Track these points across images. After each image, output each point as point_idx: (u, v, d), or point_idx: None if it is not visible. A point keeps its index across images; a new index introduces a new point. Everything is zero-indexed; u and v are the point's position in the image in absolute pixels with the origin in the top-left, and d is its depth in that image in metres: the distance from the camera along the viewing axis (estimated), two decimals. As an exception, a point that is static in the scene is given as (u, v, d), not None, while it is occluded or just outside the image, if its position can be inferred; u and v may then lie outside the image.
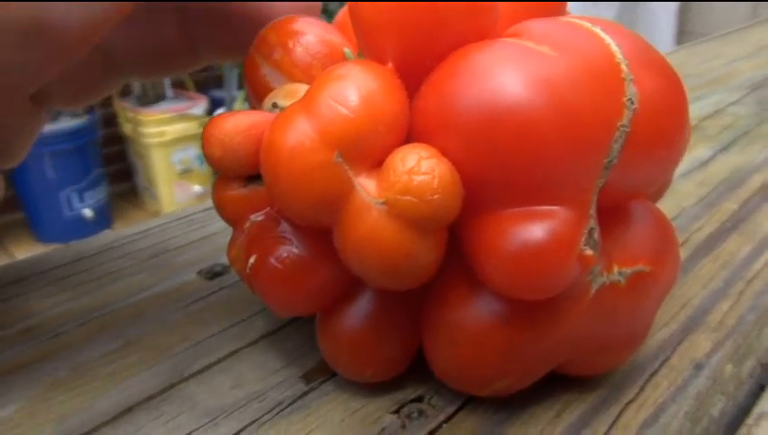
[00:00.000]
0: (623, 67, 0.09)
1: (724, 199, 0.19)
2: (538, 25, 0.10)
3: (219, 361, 0.13)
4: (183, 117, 1.28)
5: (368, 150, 0.09)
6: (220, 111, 1.39)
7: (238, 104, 1.38)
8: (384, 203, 0.09)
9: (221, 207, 0.11)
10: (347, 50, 0.12)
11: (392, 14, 0.10)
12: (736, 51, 0.41)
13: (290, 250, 0.10)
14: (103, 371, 0.13)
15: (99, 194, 1.23)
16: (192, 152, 1.39)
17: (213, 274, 0.17)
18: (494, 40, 0.10)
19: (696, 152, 0.23)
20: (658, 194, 0.12)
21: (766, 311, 0.13)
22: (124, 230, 0.19)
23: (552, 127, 0.09)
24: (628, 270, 0.10)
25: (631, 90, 0.09)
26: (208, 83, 1.43)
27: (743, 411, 0.11)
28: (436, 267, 0.10)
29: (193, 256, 0.18)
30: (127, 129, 1.27)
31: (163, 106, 1.25)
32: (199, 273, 0.17)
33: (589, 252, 0.09)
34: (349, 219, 0.09)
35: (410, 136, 0.10)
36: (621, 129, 0.09)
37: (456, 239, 0.10)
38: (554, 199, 0.09)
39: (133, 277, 0.17)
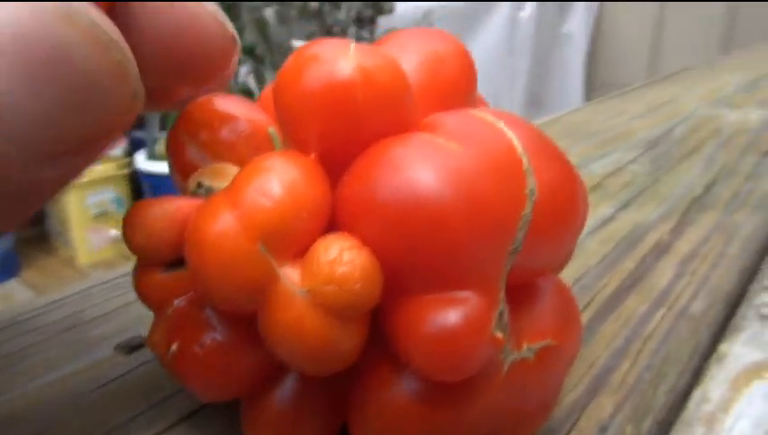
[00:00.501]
0: (524, 161, 0.10)
1: (624, 258, 0.20)
2: (450, 120, 0.11)
3: (137, 446, 0.13)
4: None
5: (291, 240, 0.10)
6: (141, 152, 1.35)
7: (160, 145, 1.35)
8: (308, 292, 0.09)
9: (143, 294, 0.11)
10: (272, 129, 0.13)
11: (314, 105, 0.10)
12: (635, 108, 0.45)
13: (213, 336, 0.10)
14: (9, 463, 0.12)
15: (3, 241, 1.15)
16: (109, 195, 1.33)
17: (131, 347, 0.16)
18: (411, 135, 0.10)
19: (599, 210, 0.25)
20: (561, 267, 0.13)
21: (660, 370, 0.14)
22: (36, 300, 0.19)
23: (462, 218, 0.10)
24: (535, 346, 0.11)
25: (532, 181, 0.10)
26: (128, 125, 1.39)
27: (644, 469, 0.12)
28: (358, 352, 0.10)
29: (111, 327, 0.17)
30: (37, 172, 1.21)
31: (78, 148, 1.20)
32: (117, 347, 0.16)
33: (499, 335, 0.10)
34: (273, 307, 0.09)
35: (333, 223, 0.10)
36: (524, 217, 0.10)
37: (377, 322, 0.10)
38: (466, 285, 0.10)
39: (43, 355, 0.16)
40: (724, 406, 0.13)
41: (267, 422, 0.11)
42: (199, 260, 0.10)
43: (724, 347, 0.15)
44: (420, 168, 0.10)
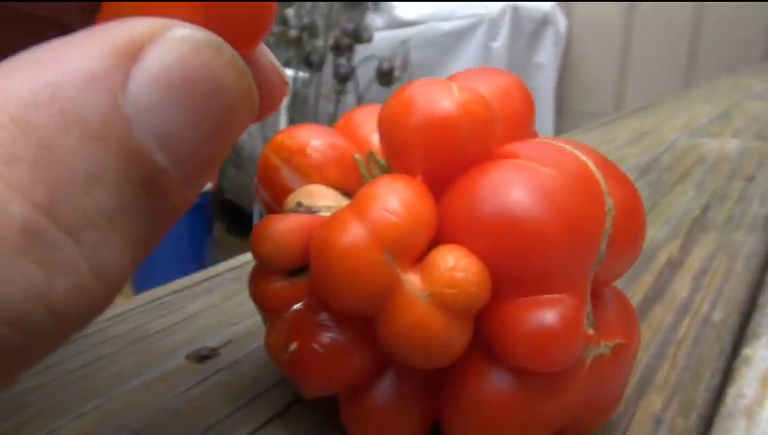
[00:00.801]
0: (602, 183, 0.12)
1: (642, 272, 0.22)
2: (530, 148, 0.12)
3: (236, 444, 0.14)
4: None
5: (411, 250, 0.11)
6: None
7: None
8: (429, 295, 0.11)
9: (261, 298, 0.12)
10: (357, 156, 0.14)
11: (423, 136, 0.12)
12: (622, 137, 0.47)
13: (331, 336, 0.12)
14: (120, 462, 0.13)
15: None
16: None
17: (201, 357, 0.17)
18: (505, 160, 0.12)
19: (610, 230, 0.26)
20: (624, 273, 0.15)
21: (695, 370, 0.16)
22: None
23: (556, 233, 0.11)
24: (611, 343, 0.12)
25: (609, 201, 0.12)
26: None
27: (695, 456, 0.13)
28: (466, 346, 0.11)
29: (176, 339, 0.18)
30: None
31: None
32: (188, 357, 0.17)
33: (590, 331, 0.11)
34: (396, 309, 0.11)
35: (439, 236, 0.12)
36: (606, 231, 0.12)
37: (476, 323, 0.12)
38: (560, 289, 0.11)
39: (119, 365, 0.17)
40: (759, 401, 0.15)
41: (369, 415, 0.12)
42: (329, 267, 0.11)
43: (748, 351, 0.17)
44: (519, 189, 0.11)
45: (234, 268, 0.23)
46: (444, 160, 0.12)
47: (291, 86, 1.36)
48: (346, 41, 1.44)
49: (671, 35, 1.47)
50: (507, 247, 0.11)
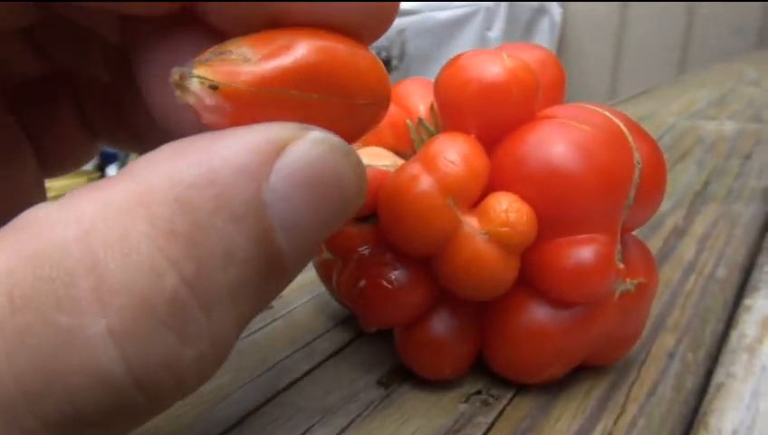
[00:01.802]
0: (630, 139, 0.14)
1: (651, 238, 0.24)
2: (567, 110, 0.14)
3: (302, 376, 0.15)
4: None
5: (469, 196, 0.13)
6: (112, 166, 1.35)
7: (133, 159, 1.34)
8: (486, 233, 0.12)
9: (332, 243, 0.14)
10: (408, 121, 0.16)
11: (478, 98, 0.13)
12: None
13: (397, 274, 0.13)
14: (203, 390, 0.15)
15: None
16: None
17: (255, 308, 0.19)
18: (547, 120, 0.13)
19: (618, 202, 0.28)
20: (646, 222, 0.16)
21: (703, 316, 0.18)
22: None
23: (592, 181, 0.13)
24: (635, 281, 0.14)
25: (637, 155, 0.14)
26: (106, 136, 1.37)
27: (703, 385, 0.15)
28: (513, 281, 0.13)
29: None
30: (14, 182, 1.18)
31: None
32: (244, 308, 0.19)
33: (621, 265, 0.13)
34: (456, 247, 0.13)
35: (490, 186, 0.13)
36: (634, 181, 0.13)
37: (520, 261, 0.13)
38: (595, 229, 0.13)
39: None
40: (759, 339, 0.17)
41: (424, 345, 0.14)
42: (399, 212, 0.13)
43: (748, 301, 0.19)
44: (561, 143, 0.13)
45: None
46: (494, 121, 0.14)
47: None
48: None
49: (665, 24, 1.49)
50: (550, 194, 0.13)
